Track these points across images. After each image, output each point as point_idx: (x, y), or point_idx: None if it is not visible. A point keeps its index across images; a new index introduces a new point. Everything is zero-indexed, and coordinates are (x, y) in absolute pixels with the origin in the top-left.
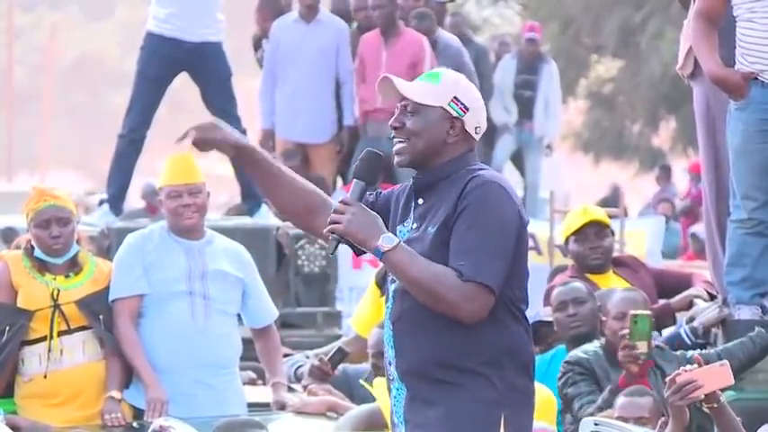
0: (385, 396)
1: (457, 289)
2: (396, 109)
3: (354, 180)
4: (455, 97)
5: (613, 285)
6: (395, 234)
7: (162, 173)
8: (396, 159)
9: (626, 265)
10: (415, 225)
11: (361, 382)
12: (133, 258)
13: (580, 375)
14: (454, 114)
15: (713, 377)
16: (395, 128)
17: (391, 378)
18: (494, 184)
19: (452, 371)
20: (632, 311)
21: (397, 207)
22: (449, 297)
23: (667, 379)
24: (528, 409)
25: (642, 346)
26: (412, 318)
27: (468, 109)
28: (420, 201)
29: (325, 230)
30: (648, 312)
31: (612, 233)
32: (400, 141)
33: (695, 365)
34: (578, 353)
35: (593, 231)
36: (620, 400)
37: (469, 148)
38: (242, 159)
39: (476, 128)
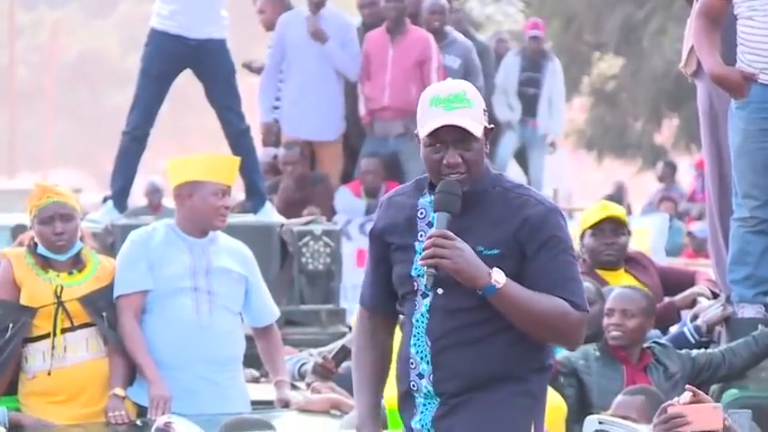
0: None
1: (575, 320)
2: (441, 143)
3: (438, 213)
4: (483, 109)
5: (623, 282)
6: (416, 250)
7: (206, 167)
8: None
9: (636, 262)
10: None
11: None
12: (137, 255)
13: (560, 373)
14: (489, 127)
15: (703, 416)
16: (455, 165)
17: (416, 389)
18: (558, 209)
19: (499, 381)
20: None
21: (400, 226)
22: (567, 329)
23: (661, 407)
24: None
25: None
26: (459, 337)
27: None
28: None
29: (421, 262)
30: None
31: (629, 232)
32: (460, 174)
33: (689, 395)
34: (564, 351)
35: (609, 227)
36: (618, 397)
37: None
38: None
39: None
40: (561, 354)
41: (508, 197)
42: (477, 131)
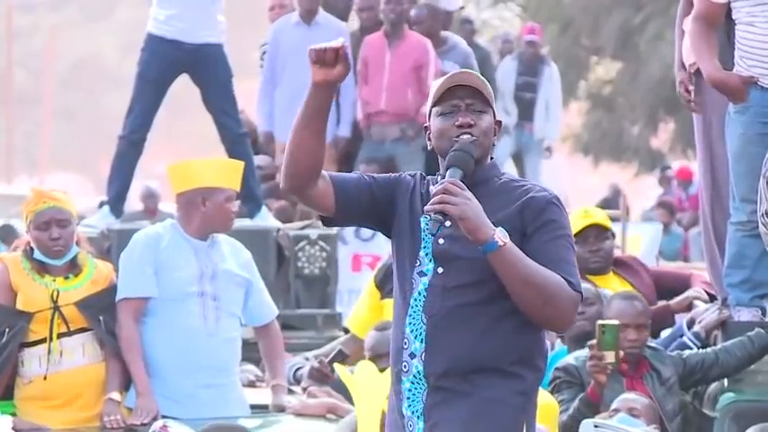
0: (360, 388)
1: (570, 297)
2: (453, 107)
3: (451, 168)
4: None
5: (614, 286)
6: (417, 224)
7: (217, 173)
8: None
9: (627, 266)
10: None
11: (338, 370)
12: (145, 258)
13: (566, 383)
14: (497, 118)
15: None
16: (469, 125)
17: (406, 370)
18: (560, 201)
19: (489, 371)
20: (600, 321)
21: (410, 197)
22: (562, 303)
23: None
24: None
25: (610, 356)
26: (455, 316)
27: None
28: None
29: (428, 208)
30: (616, 322)
31: (613, 235)
32: (473, 137)
33: None
34: (569, 359)
35: (593, 234)
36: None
37: None
38: (329, 89)
39: None
40: (564, 362)
41: (511, 186)
42: (490, 98)
